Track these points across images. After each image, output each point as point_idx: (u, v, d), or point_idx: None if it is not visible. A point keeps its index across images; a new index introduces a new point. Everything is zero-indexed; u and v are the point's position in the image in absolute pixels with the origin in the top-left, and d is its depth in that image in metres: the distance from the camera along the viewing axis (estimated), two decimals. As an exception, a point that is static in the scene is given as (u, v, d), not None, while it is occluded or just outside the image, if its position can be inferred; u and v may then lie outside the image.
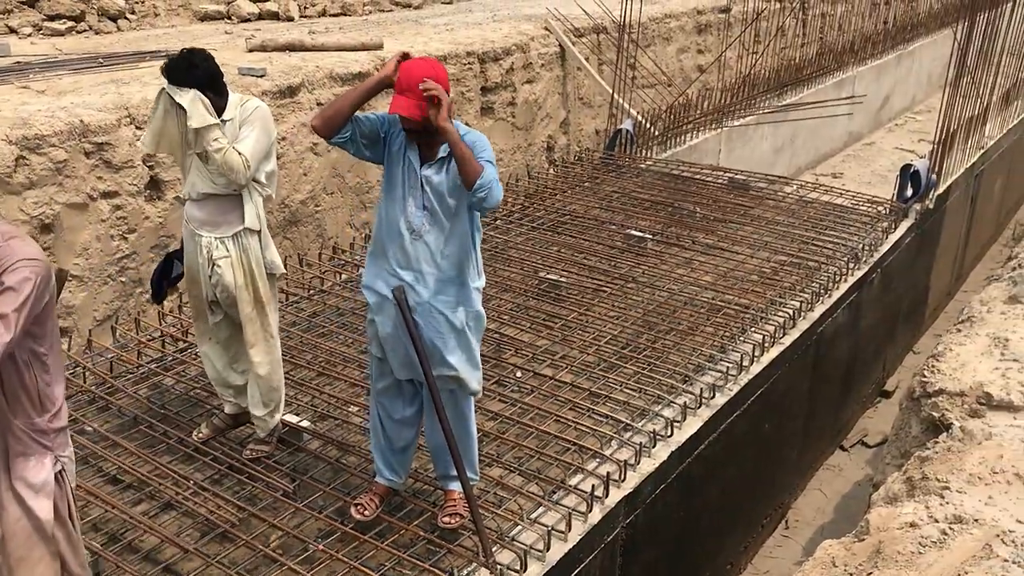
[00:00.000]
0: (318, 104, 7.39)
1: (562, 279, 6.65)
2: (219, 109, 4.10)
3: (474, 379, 3.96)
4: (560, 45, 9.97)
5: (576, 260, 7.13)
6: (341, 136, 3.65)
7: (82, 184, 5.84)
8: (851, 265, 7.11)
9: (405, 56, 3.63)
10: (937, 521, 3.52)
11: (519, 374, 5.53)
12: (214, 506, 4.22)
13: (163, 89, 4.03)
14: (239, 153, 4.04)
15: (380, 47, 8.27)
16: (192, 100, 3.98)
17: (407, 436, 4.12)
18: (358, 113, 3.68)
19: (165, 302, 6.08)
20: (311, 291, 6.46)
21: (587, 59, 10.24)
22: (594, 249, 7.34)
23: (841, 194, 8.88)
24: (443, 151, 3.61)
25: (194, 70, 4.01)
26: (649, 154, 9.71)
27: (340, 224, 7.73)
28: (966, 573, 3.15)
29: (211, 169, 4.11)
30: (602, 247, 7.37)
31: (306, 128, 7.32)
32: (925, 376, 4.98)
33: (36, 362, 2.76)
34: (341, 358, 5.60)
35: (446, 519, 4.11)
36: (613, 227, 7.78)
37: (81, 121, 5.84)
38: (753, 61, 11.68)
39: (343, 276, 6.73)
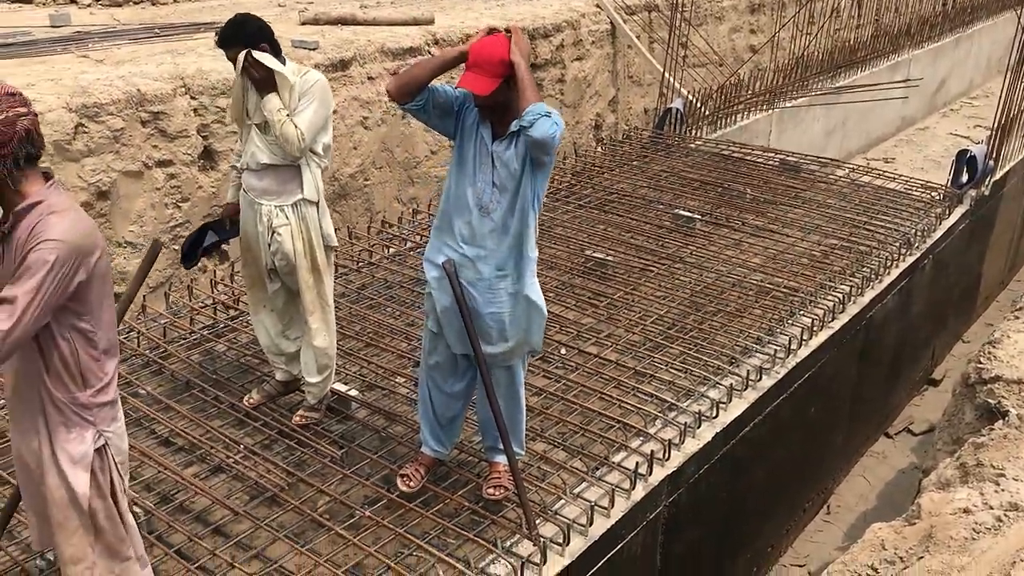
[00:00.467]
0: (369, 79, 7.42)
1: (609, 258, 6.62)
2: None
3: (540, 338, 3.95)
4: (611, 22, 9.89)
5: (623, 239, 7.09)
6: (415, 104, 3.63)
7: (138, 152, 5.93)
8: (903, 250, 6.98)
9: (492, 30, 3.60)
10: (992, 507, 3.46)
11: (564, 351, 5.52)
12: (264, 470, 4.29)
13: (248, 51, 4.03)
14: (295, 126, 4.07)
15: (431, 22, 8.27)
16: (273, 60, 4.01)
17: (455, 408, 4.14)
18: (435, 84, 3.66)
19: (217, 271, 6.19)
20: (359, 263, 6.51)
21: (638, 37, 10.14)
22: (641, 228, 7.29)
23: (894, 178, 8.71)
24: (514, 126, 3.57)
25: (242, 26, 4.04)
26: (699, 134, 9.60)
27: (388, 198, 7.77)
28: (1022, 560, 3.09)
29: (270, 140, 4.15)
30: (650, 227, 7.32)
31: (357, 102, 7.37)
32: (981, 363, 4.90)
33: (80, 338, 2.70)
34: (389, 330, 5.65)
35: (491, 491, 4.14)
36: (661, 207, 7.72)
37: (138, 90, 5.93)
38: (806, 42, 11.48)
39: (391, 250, 6.77)
